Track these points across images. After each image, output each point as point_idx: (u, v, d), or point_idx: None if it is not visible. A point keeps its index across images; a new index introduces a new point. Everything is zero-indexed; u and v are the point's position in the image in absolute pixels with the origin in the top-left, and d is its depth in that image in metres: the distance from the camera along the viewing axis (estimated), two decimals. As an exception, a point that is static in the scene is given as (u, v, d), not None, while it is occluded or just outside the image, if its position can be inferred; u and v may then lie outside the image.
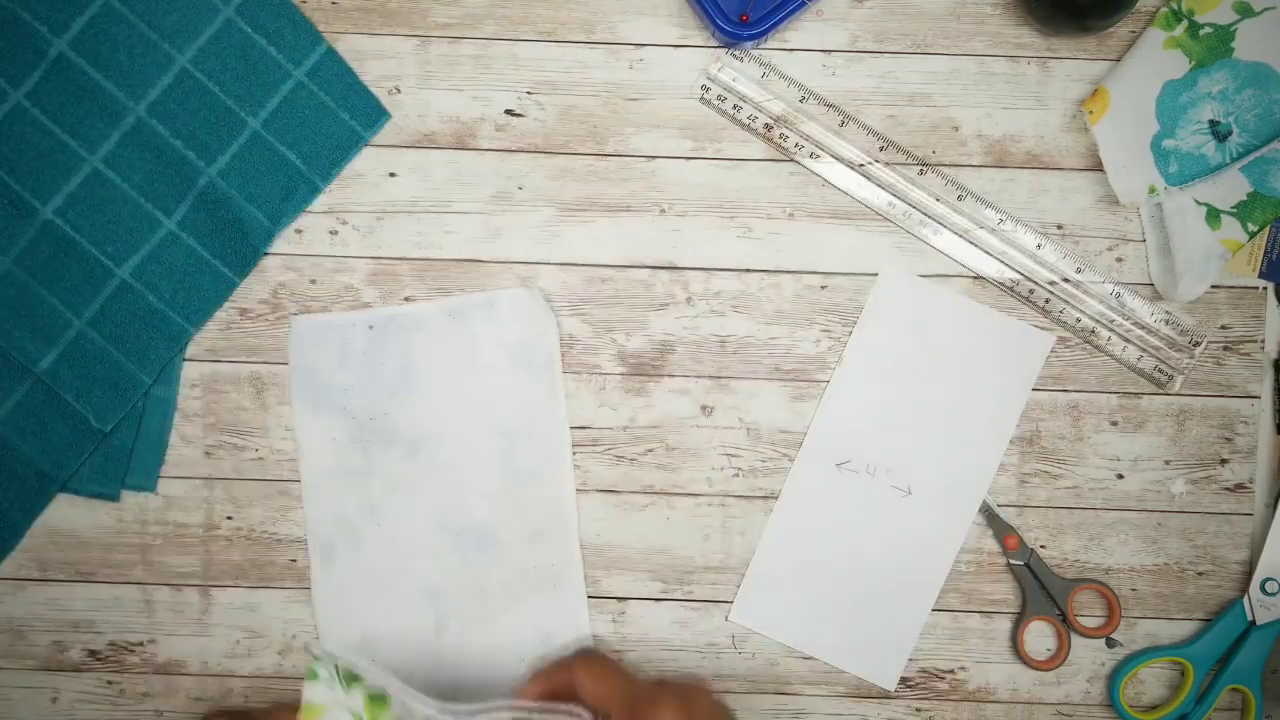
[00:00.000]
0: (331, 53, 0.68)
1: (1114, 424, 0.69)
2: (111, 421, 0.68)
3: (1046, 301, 0.69)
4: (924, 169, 0.69)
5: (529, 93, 0.69)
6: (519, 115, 0.69)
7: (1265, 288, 0.69)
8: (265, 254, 0.69)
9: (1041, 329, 0.69)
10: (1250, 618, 0.69)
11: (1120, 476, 0.69)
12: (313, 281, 0.69)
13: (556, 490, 0.69)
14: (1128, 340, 0.69)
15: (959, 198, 0.69)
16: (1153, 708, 0.70)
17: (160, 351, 0.68)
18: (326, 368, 0.68)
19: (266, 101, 0.68)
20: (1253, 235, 0.67)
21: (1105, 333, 0.69)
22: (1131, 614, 0.70)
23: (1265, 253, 0.69)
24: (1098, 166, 0.68)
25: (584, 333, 0.69)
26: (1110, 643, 0.70)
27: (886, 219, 0.69)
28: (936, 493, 0.69)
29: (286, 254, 0.69)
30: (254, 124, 0.68)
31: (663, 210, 0.69)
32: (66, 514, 0.69)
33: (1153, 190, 0.67)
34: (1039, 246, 0.69)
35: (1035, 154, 0.69)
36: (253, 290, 0.69)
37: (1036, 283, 0.69)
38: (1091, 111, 0.67)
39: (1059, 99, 0.69)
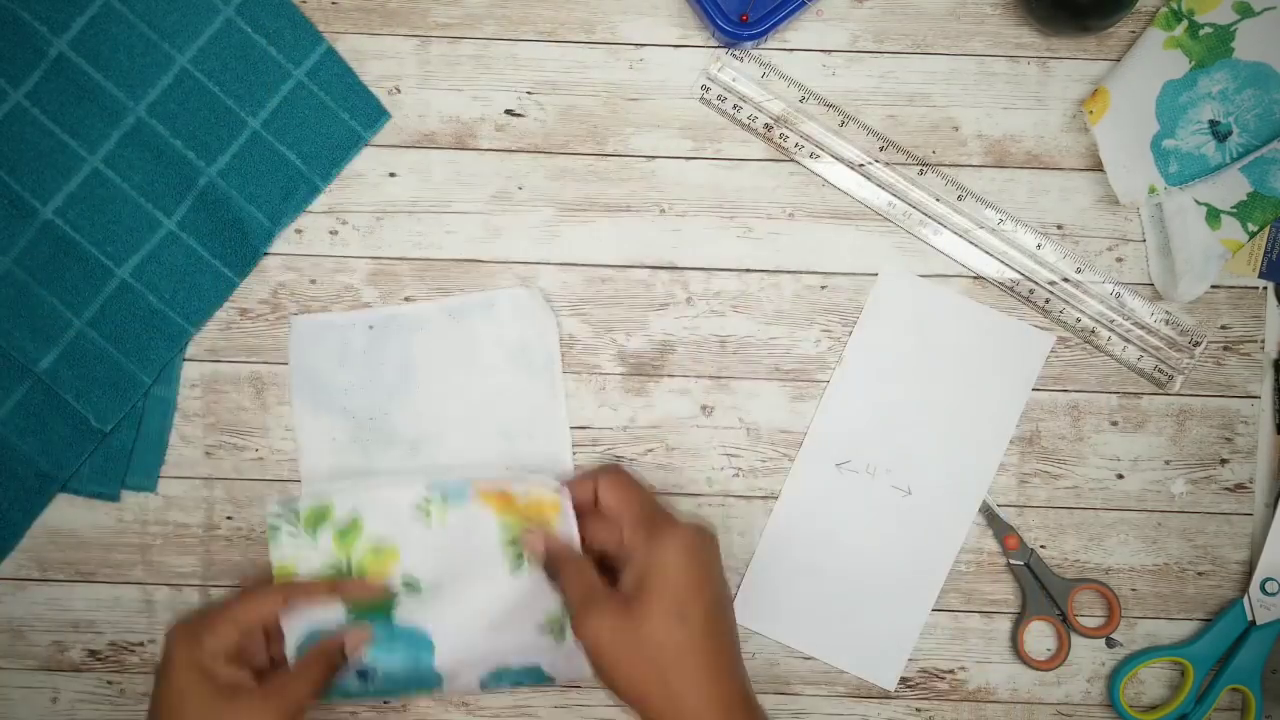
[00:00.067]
0: (331, 53, 0.68)
1: (1114, 424, 0.69)
2: (111, 421, 0.68)
3: (1046, 301, 0.69)
4: (924, 169, 0.69)
5: (529, 93, 0.69)
6: (519, 115, 0.69)
7: (1265, 288, 0.69)
8: (265, 254, 0.69)
9: (1041, 329, 0.69)
10: (1250, 618, 0.69)
11: (1120, 476, 0.69)
12: (313, 281, 0.69)
13: (556, 490, 0.69)
14: (1128, 340, 0.69)
15: (959, 198, 0.69)
16: (1153, 708, 0.70)
17: (160, 351, 0.68)
18: (326, 368, 0.68)
19: (266, 101, 0.68)
20: (1253, 235, 0.67)
21: (1105, 333, 0.69)
22: (1131, 614, 0.69)
23: (1265, 253, 0.69)
24: (1098, 166, 0.68)
25: (584, 333, 0.69)
26: (1110, 643, 0.69)
27: (886, 219, 0.69)
28: (936, 493, 0.69)
29: (286, 254, 0.69)
30: (254, 124, 0.68)
31: (663, 210, 0.69)
32: (66, 514, 0.69)
33: (1153, 190, 0.67)
34: (1039, 246, 0.69)
35: (1035, 154, 0.69)
36: (253, 290, 0.69)
37: (1036, 283, 0.69)
38: (1091, 111, 0.67)
39: (1059, 99, 0.69)
